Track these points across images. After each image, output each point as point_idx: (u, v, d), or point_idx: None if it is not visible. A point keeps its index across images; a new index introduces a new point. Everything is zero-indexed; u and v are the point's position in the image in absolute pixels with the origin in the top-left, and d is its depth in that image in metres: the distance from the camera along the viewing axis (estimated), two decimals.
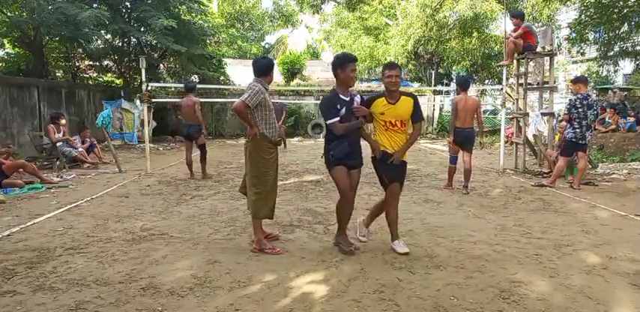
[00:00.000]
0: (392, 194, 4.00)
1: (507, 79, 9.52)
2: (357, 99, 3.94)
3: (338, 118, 3.78)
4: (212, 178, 7.98)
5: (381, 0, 20.67)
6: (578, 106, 6.82)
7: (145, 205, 5.88)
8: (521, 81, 9.04)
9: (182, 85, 15.63)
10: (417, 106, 3.95)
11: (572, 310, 2.89)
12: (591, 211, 5.58)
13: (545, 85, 8.73)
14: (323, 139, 4.23)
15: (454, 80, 21.54)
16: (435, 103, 18.86)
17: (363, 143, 4.00)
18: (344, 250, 3.91)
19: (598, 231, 4.66)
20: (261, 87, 4.00)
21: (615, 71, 16.82)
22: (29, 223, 4.89)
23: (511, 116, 9.34)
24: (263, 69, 4.11)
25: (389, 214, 4.05)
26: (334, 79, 3.99)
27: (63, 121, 9.65)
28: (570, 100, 7.16)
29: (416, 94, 5.09)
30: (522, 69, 8.92)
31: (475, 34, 17.71)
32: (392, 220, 4.04)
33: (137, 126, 14.96)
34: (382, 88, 4.13)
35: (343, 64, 3.84)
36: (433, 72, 21.10)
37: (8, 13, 12.56)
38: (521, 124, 9.27)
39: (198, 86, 10.34)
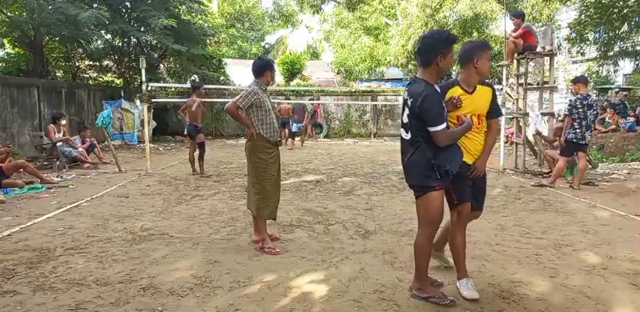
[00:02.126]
0: (460, 216, 3.12)
1: (507, 79, 9.52)
2: None
3: (446, 124, 2.86)
4: (212, 178, 7.99)
5: (381, 0, 20.65)
6: (579, 106, 6.82)
7: (145, 205, 5.88)
8: (521, 81, 9.05)
9: (182, 85, 15.84)
10: (495, 98, 3.18)
11: (572, 310, 2.89)
12: (591, 211, 5.57)
13: (545, 85, 8.74)
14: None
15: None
16: None
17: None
18: (439, 303, 2.92)
19: (598, 231, 4.66)
20: (256, 88, 4.07)
21: (615, 71, 16.80)
22: (29, 223, 4.89)
23: (511, 116, 9.35)
24: (258, 70, 4.18)
25: (453, 242, 3.16)
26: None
27: (63, 122, 9.66)
28: (570, 100, 7.17)
29: None
30: (522, 69, 8.93)
31: (475, 34, 17.69)
32: (457, 250, 3.13)
33: (137, 126, 14.96)
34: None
35: (447, 47, 2.86)
36: None
37: (8, 13, 12.57)
38: (521, 124, 9.27)
39: None
